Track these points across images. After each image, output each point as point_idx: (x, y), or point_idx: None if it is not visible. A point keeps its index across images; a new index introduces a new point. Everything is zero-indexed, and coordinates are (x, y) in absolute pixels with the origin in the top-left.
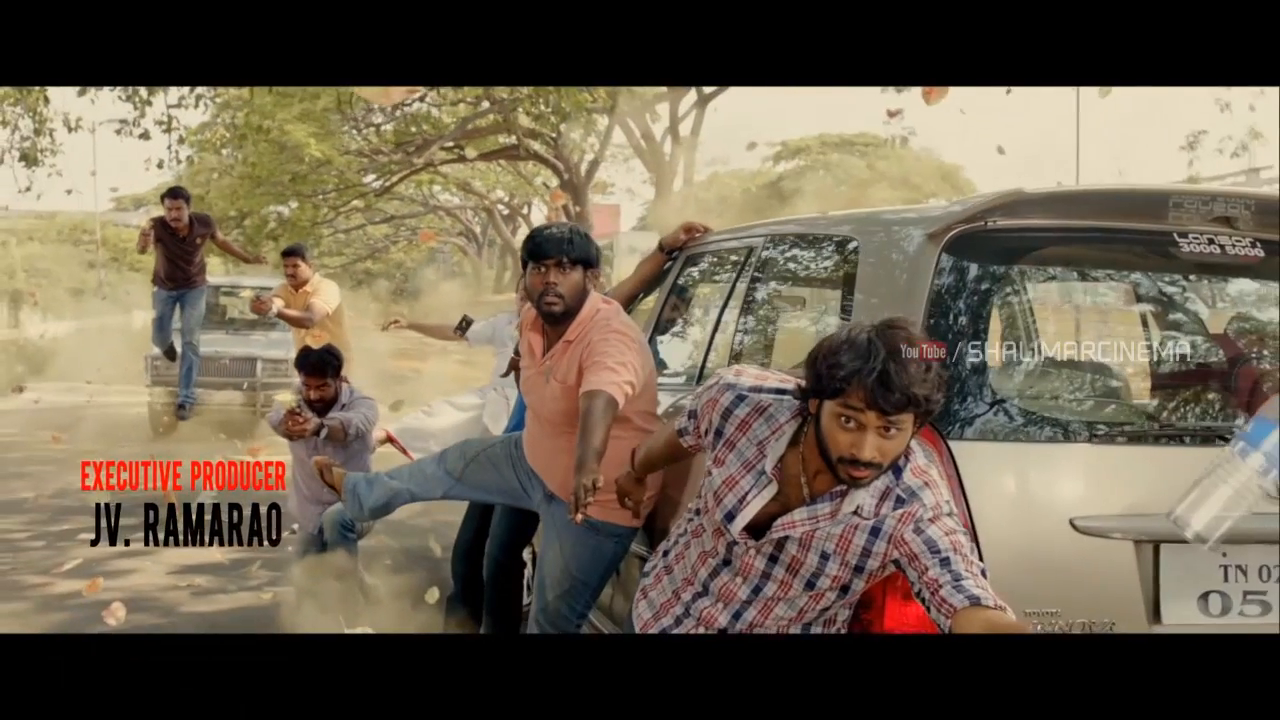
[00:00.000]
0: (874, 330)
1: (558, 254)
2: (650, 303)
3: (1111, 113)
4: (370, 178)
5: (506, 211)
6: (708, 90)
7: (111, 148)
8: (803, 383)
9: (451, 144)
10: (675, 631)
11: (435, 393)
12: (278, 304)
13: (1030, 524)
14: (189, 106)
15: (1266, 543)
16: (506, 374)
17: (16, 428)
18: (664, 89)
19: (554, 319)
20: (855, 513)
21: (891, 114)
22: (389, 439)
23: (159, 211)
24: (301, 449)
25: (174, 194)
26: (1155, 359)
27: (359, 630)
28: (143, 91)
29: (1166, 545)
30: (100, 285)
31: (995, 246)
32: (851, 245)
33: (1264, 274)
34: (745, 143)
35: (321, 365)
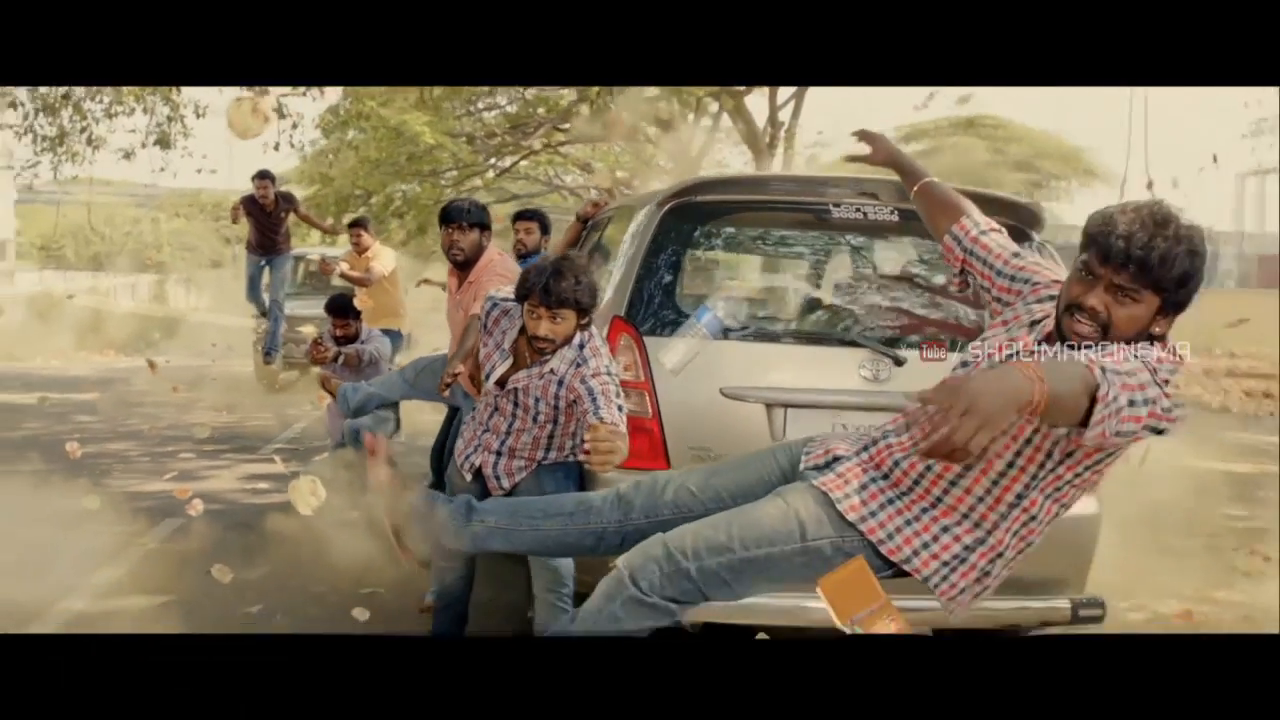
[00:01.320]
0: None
1: (459, 219)
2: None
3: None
4: (489, 159)
5: (627, 190)
6: None
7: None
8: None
9: (567, 126)
10: (471, 457)
11: None
12: (342, 266)
13: (692, 390)
14: (303, 95)
15: (864, 409)
16: None
17: (145, 382)
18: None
19: (459, 266)
20: (551, 372)
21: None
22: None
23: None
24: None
25: (261, 175)
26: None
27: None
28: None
29: (791, 409)
30: (234, 259)
31: (698, 212)
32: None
33: (905, 233)
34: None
35: (343, 309)
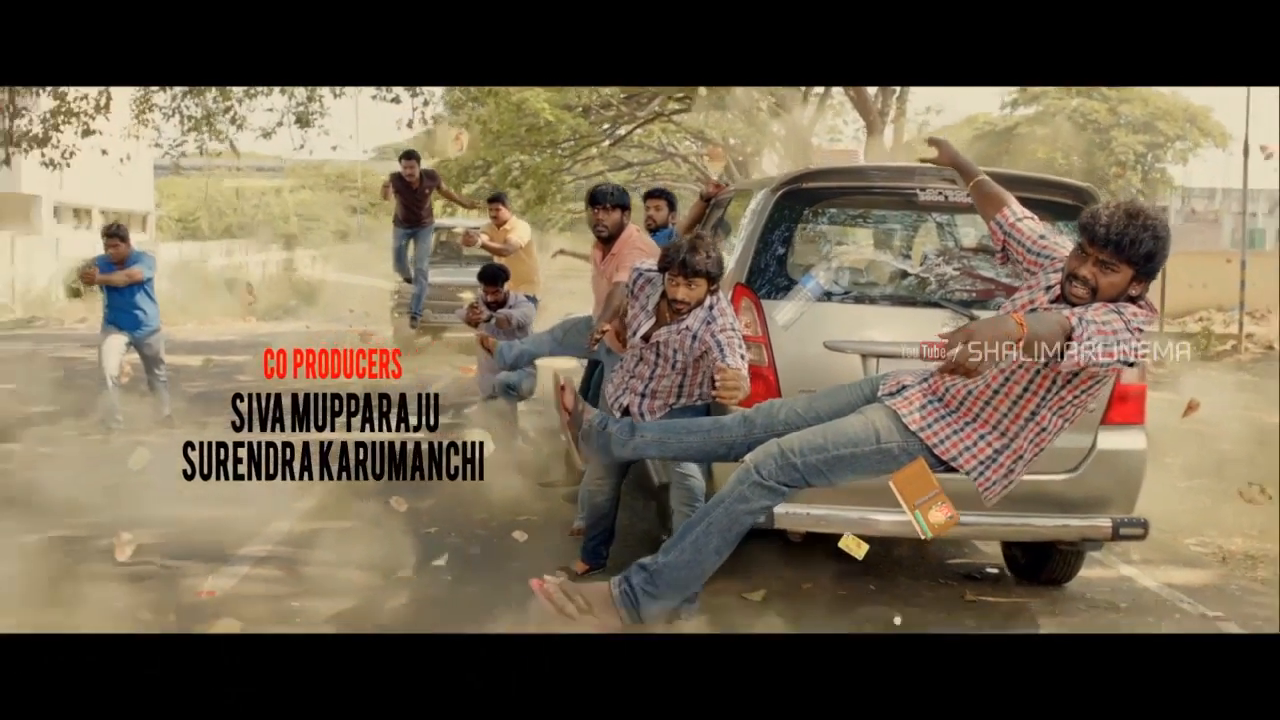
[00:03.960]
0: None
1: (604, 201)
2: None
3: None
4: (605, 128)
5: (740, 159)
6: None
7: (370, 108)
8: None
9: (682, 94)
10: (620, 399)
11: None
12: (483, 238)
13: (801, 343)
14: None
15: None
16: None
17: (286, 344)
18: None
19: (604, 240)
20: (687, 329)
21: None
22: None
23: (399, 167)
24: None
25: (408, 155)
26: (896, 262)
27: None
28: None
29: (882, 359)
30: (360, 229)
31: (806, 196)
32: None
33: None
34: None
35: (494, 276)
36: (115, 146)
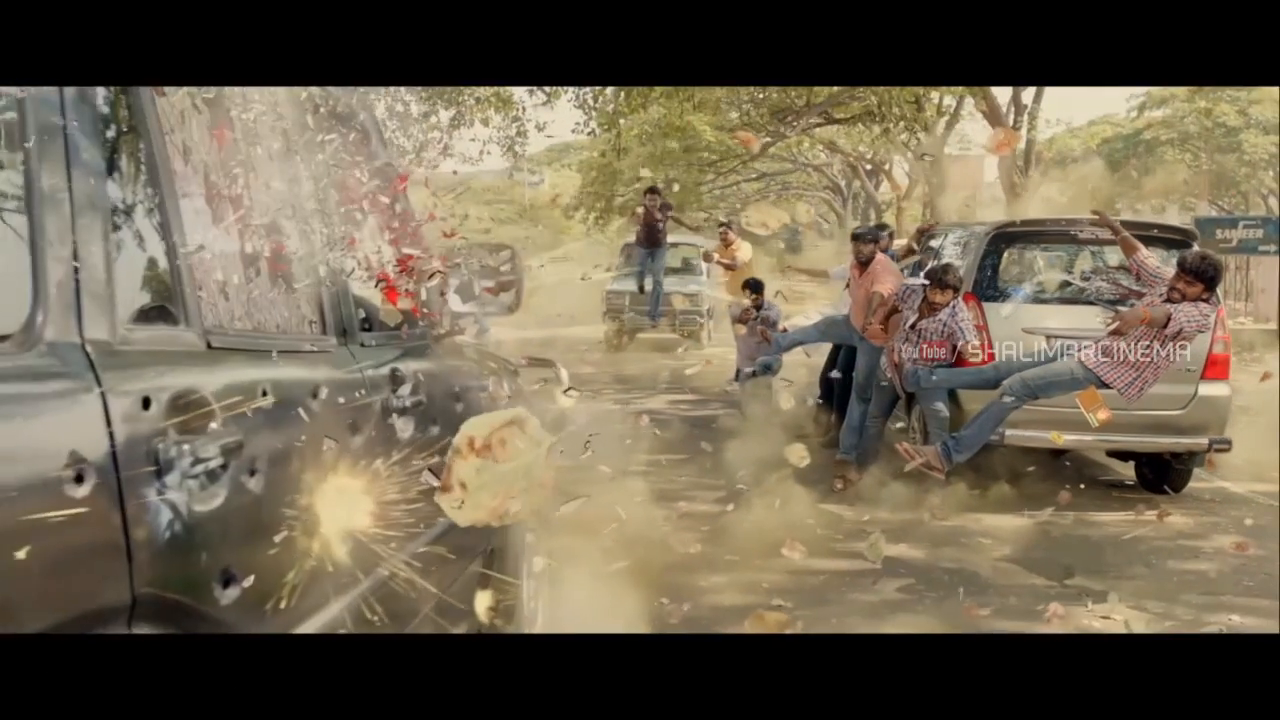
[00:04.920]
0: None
1: (863, 238)
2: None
3: None
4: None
5: (869, 167)
6: None
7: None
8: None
9: (845, 116)
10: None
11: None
12: (715, 255)
13: (1007, 329)
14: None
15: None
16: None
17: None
18: None
19: (861, 264)
20: (939, 320)
21: None
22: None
23: (644, 200)
24: (745, 329)
25: (651, 190)
26: (1066, 276)
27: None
28: None
29: (1056, 338)
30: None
31: (1008, 236)
32: (957, 234)
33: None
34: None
35: (757, 286)
36: None
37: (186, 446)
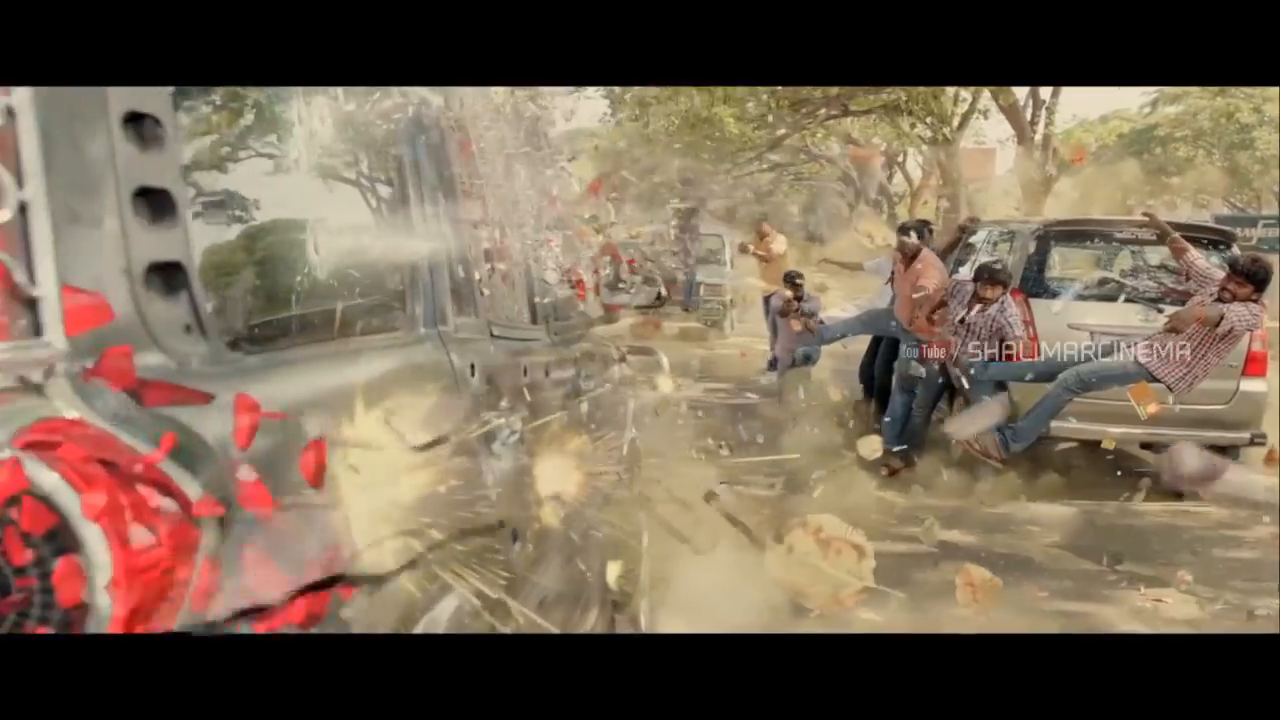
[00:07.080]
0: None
1: (908, 231)
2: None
3: None
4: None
5: (883, 159)
6: None
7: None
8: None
9: (866, 109)
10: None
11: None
12: (751, 248)
13: (1054, 324)
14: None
15: (1138, 335)
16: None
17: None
18: None
19: (907, 258)
20: (987, 314)
21: None
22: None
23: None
24: (784, 320)
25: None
26: (1112, 274)
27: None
28: None
29: (1099, 334)
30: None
31: (1054, 235)
32: (998, 231)
33: (1160, 244)
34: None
35: (793, 278)
36: None
37: (501, 420)
